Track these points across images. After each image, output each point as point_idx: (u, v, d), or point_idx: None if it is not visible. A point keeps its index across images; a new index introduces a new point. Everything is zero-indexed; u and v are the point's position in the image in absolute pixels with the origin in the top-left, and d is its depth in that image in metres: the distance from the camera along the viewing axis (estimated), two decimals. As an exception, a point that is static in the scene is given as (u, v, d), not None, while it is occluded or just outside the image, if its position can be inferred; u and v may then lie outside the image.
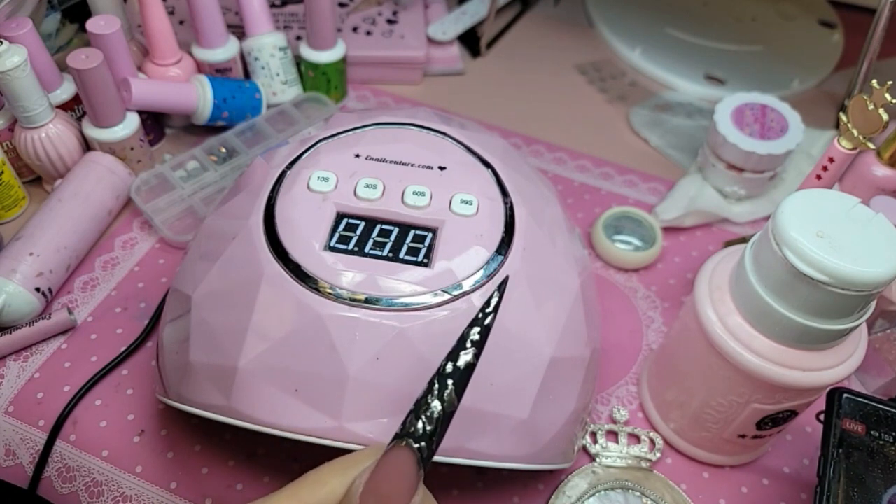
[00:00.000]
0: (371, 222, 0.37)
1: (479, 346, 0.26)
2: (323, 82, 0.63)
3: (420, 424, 0.24)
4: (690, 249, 0.56)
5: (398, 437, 0.24)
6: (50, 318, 0.47)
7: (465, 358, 0.25)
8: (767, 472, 0.44)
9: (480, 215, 0.38)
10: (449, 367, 0.25)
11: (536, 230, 0.38)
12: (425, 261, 0.36)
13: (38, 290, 0.47)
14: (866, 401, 0.37)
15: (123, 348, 0.47)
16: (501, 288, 0.27)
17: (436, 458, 0.33)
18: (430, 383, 0.25)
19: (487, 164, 0.41)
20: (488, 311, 0.26)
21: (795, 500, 0.43)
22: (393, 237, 0.37)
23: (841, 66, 0.72)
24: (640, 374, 0.48)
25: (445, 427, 0.25)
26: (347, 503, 0.24)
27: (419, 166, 0.40)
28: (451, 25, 0.70)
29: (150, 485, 0.42)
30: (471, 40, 0.72)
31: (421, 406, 0.24)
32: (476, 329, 0.26)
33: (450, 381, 0.25)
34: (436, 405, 0.24)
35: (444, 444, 0.34)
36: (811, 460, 0.45)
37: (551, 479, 0.43)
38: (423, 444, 0.24)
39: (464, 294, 0.35)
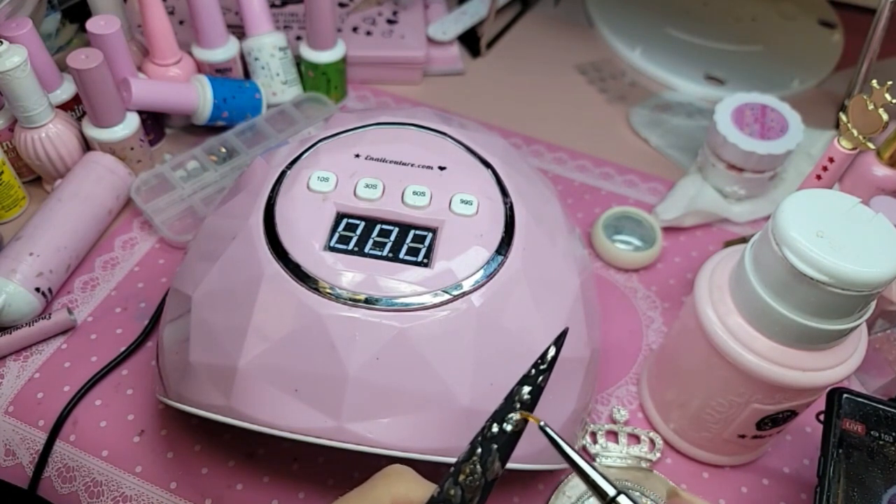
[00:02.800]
0: (371, 222, 0.37)
1: (530, 407, 0.23)
2: (323, 82, 0.63)
3: (459, 492, 0.22)
4: (690, 249, 0.56)
5: (435, 501, 0.22)
6: (50, 318, 0.47)
7: (512, 420, 0.23)
8: (767, 472, 0.44)
9: (480, 215, 0.38)
10: (494, 429, 0.23)
11: (536, 230, 0.38)
12: (425, 261, 0.36)
13: (38, 290, 0.47)
14: (866, 401, 0.37)
15: (123, 348, 0.47)
16: (559, 342, 0.24)
17: (435, 459, 0.34)
18: (472, 446, 0.23)
19: (487, 164, 0.41)
20: (542, 367, 0.23)
21: (795, 500, 0.43)
22: (393, 237, 0.37)
23: (841, 66, 0.72)
24: (640, 374, 0.48)
25: (486, 494, 0.22)
26: None
27: (419, 166, 0.40)
28: (451, 25, 0.70)
29: (150, 485, 0.42)
30: (471, 40, 0.72)
31: (461, 471, 0.22)
32: (527, 388, 0.23)
33: (494, 446, 0.22)
34: (476, 472, 0.22)
35: (443, 444, 0.34)
36: (811, 460, 0.45)
37: (551, 479, 0.43)
38: None
39: (464, 294, 0.35)
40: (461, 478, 0.22)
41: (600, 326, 0.43)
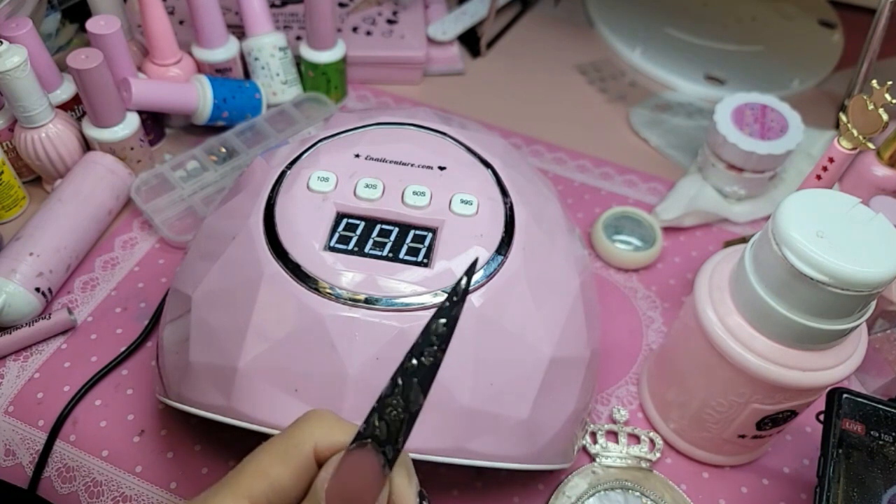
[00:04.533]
0: (371, 222, 0.37)
1: (446, 339, 0.23)
2: (323, 82, 0.63)
3: (384, 426, 0.23)
4: (690, 249, 0.56)
5: (362, 437, 0.23)
6: (50, 318, 0.47)
7: (430, 353, 0.23)
8: (767, 472, 0.44)
9: (480, 215, 0.38)
10: (413, 363, 0.23)
11: (536, 230, 0.38)
12: (425, 261, 0.36)
13: (38, 290, 0.47)
14: (866, 401, 0.37)
15: (123, 348, 0.47)
16: (470, 272, 0.24)
17: (435, 459, 0.34)
18: (394, 381, 0.23)
19: (487, 164, 0.41)
20: (455, 299, 0.23)
21: (795, 500, 0.43)
22: (393, 237, 0.37)
23: (841, 66, 0.72)
24: (640, 374, 0.48)
25: (411, 426, 0.23)
26: (312, 502, 0.23)
27: (419, 166, 0.40)
28: (451, 25, 0.70)
29: (150, 485, 0.42)
30: (471, 40, 0.72)
31: (385, 406, 0.23)
32: (442, 321, 0.23)
33: (414, 380, 0.23)
34: (399, 405, 0.23)
35: (443, 444, 0.34)
36: (811, 460, 0.45)
37: (551, 479, 0.43)
38: (387, 447, 0.23)
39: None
40: (386, 412, 0.23)
41: (600, 326, 0.43)
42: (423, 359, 0.23)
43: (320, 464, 0.24)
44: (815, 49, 0.74)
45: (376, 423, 0.23)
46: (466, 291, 0.24)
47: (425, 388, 0.23)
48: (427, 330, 0.23)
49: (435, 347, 0.23)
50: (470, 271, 0.24)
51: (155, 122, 0.60)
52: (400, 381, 0.23)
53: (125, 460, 0.42)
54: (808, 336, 0.34)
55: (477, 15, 0.72)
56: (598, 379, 0.45)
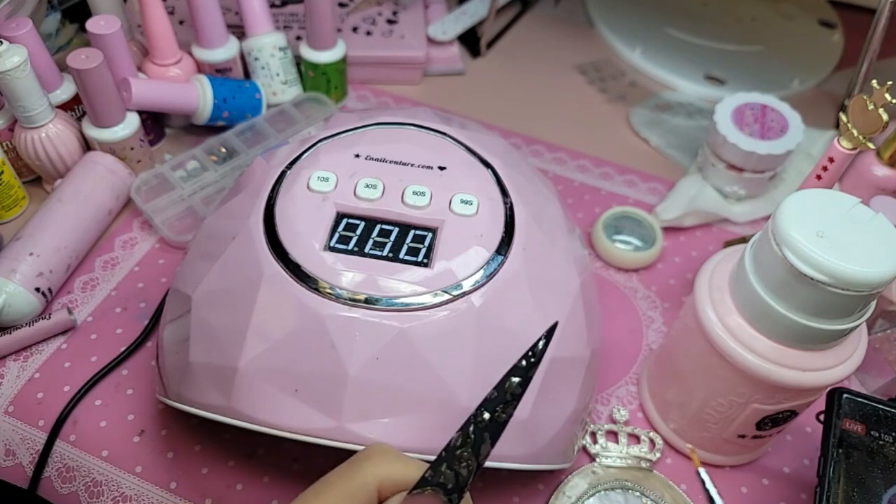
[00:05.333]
0: (371, 222, 0.37)
1: (519, 397, 0.24)
2: (323, 82, 0.63)
3: (452, 475, 0.23)
4: (690, 249, 0.56)
5: (428, 483, 0.23)
6: (50, 318, 0.47)
7: (503, 410, 0.24)
8: (767, 472, 0.44)
9: (480, 215, 0.38)
10: (486, 417, 0.24)
11: (536, 230, 0.38)
12: (425, 261, 0.36)
13: (38, 290, 0.47)
14: (866, 401, 0.37)
15: (123, 348, 0.47)
16: (549, 334, 0.24)
17: (436, 459, 0.33)
18: (465, 433, 0.24)
19: (487, 164, 0.41)
20: (532, 360, 0.24)
21: (795, 500, 0.43)
22: (393, 237, 0.37)
23: (841, 66, 0.72)
24: (640, 374, 0.48)
25: (477, 475, 0.24)
26: None
27: (419, 166, 0.40)
28: (451, 25, 0.70)
29: (150, 485, 0.42)
30: (471, 40, 0.72)
31: (454, 456, 0.23)
32: (517, 379, 0.24)
33: (486, 435, 0.24)
34: (470, 458, 0.23)
35: (444, 443, 0.34)
36: (811, 460, 0.45)
37: (551, 479, 0.43)
38: (454, 495, 0.23)
39: (464, 294, 0.35)
40: (455, 463, 0.23)
41: (600, 326, 0.43)
42: (496, 414, 0.24)
43: (381, 500, 0.24)
44: (815, 49, 0.74)
45: (443, 471, 0.23)
46: (543, 354, 0.24)
47: (495, 441, 0.24)
48: (501, 387, 0.24)
49: (509, 407, 0.24)
50: (550, 333, 0.24)
51: (155, 122, 0.60)
52: (472, 434, 0.24)
53: (125, 460, 0.42)
54: (808, 336, 0.34)
55: (477, 15, 0.72)
56: (598, 379, 0.45)
